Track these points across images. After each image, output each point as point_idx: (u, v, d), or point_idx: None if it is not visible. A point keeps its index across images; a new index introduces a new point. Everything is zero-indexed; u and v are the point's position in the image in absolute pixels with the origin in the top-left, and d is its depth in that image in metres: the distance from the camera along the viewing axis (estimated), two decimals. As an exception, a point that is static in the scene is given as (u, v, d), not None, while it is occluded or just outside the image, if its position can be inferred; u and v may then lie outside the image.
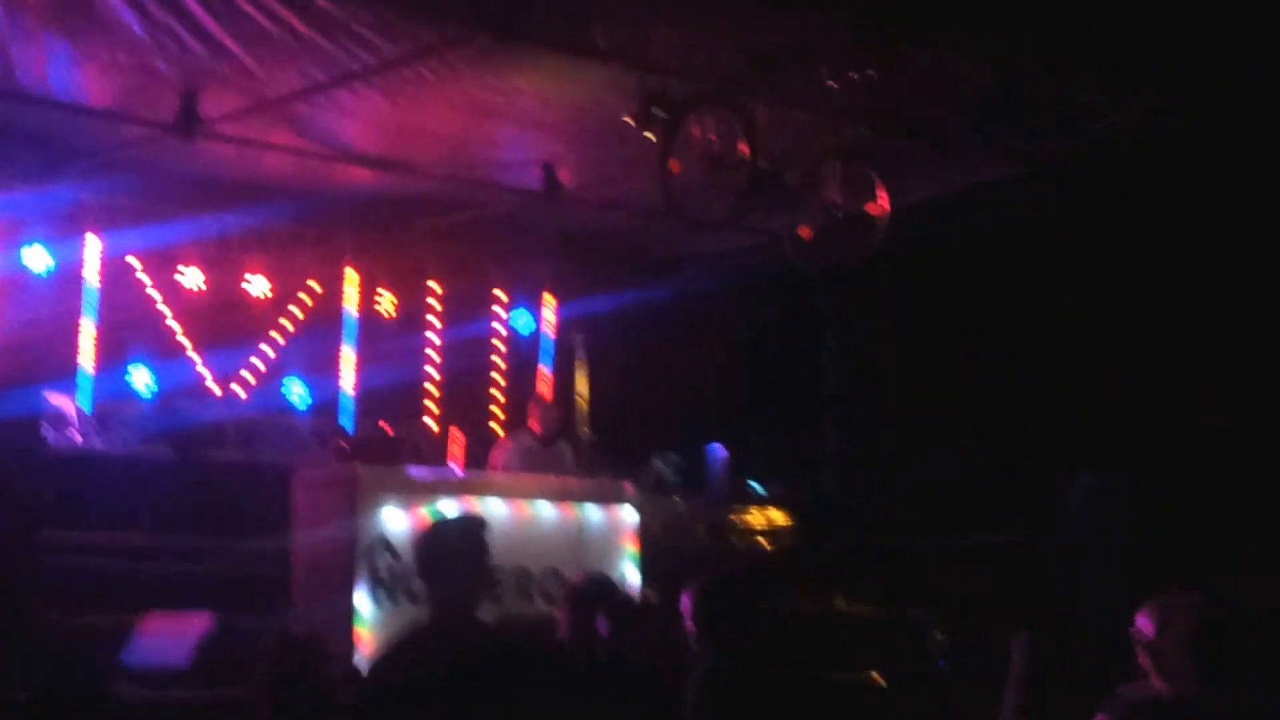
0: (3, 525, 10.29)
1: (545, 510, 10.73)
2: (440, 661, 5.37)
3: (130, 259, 12.56)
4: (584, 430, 13.93)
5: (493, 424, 14.17)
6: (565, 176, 12.15)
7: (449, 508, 10.14)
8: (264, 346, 13.21)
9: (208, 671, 8.63)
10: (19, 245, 12.00)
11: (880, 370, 13.77)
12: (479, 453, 12.51)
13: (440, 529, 5.77)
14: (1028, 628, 6.22)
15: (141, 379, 12.52)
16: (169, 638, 8.80)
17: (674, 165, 9.72)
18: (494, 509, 10.41)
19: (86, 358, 12.21)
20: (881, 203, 10.28)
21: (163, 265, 12.74)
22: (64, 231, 12.16)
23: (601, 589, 7.37)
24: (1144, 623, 5.38)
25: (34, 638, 9.55)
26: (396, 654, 5.59)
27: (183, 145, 11.07)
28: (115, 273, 12.49)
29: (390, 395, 13.27)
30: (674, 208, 10.00)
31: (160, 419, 12.02)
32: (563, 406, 13.08)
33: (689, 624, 6.23)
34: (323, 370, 13.36)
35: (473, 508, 10.21)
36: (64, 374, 11.95)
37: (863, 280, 12.53)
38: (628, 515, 11.14)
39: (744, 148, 9.85)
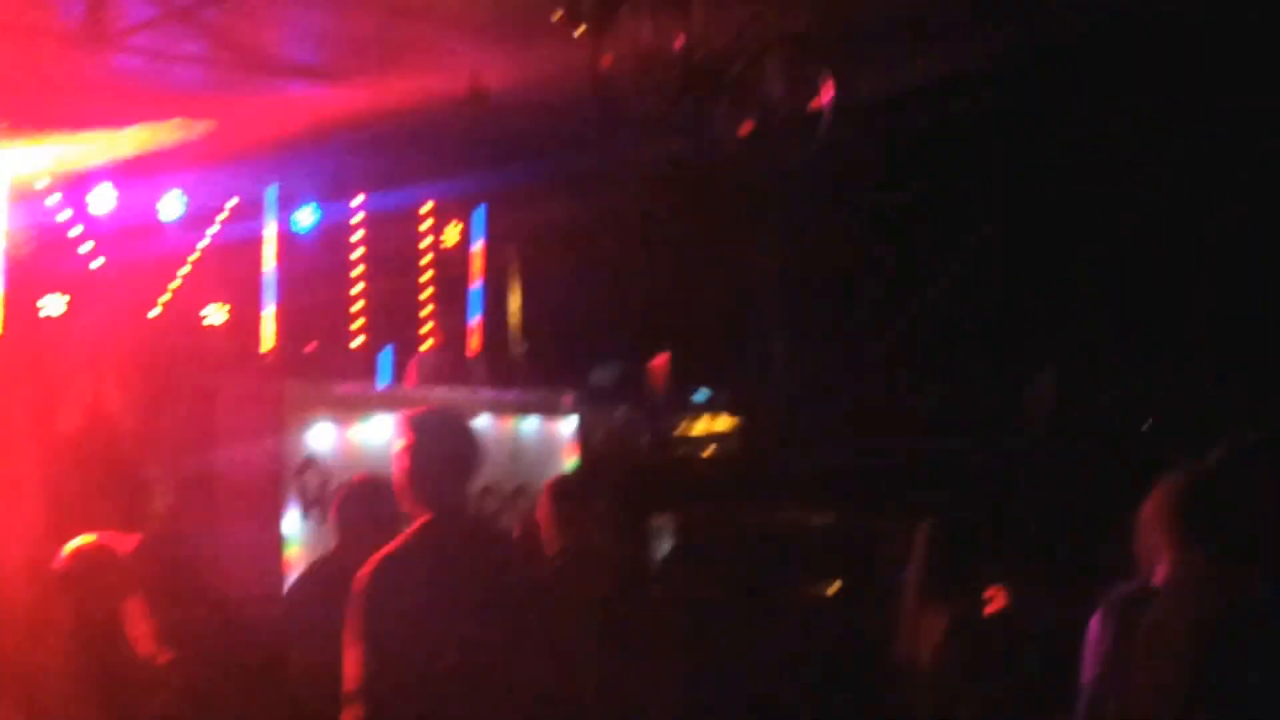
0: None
1: (479, 424, 10.49)
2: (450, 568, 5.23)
3: (39, 183, 12.25)
4: (517, 345, 13.72)
5: (423, 341, 13.88)
6: (492, 80, 11.87)
7: (379, 423, 10.08)
8: (181, 267, 12.91)
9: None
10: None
11: (824, 272, 13.60)
12: (407, 369, 12.28)
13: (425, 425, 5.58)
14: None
15: (55, 306, 12.22)
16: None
17: (605, 62, 9.45)
18: None
19: (-2, 281, 11.86)
20: (825, 98, 10.03)
21: (73, 188, 12.45)
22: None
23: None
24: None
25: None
26: (392, 566, 5.34)
27: (90, 59, 10.79)
28: (22, 198, 12.16)
29: (316, 314, 13.04)
30: (606, 109, 9.73)
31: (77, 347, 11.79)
32: (494, 322, 12.89)
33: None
34: (245, 291, 13.07)
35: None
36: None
37: (805, 179, 12.43)
38: (566, 428, 10.97)
39: (680, 40, 9.59)
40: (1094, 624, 5.46)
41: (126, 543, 8.64)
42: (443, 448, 5.49)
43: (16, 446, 10.87)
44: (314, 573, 7.24)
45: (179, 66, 11.69)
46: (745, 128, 10.08)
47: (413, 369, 12.01)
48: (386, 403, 10.41)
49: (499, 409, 10.71)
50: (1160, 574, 5.09)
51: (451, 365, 11.90)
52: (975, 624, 5.88)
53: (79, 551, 6.41)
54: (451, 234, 14.46)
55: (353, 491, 7.23)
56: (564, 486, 6.82)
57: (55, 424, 11.26)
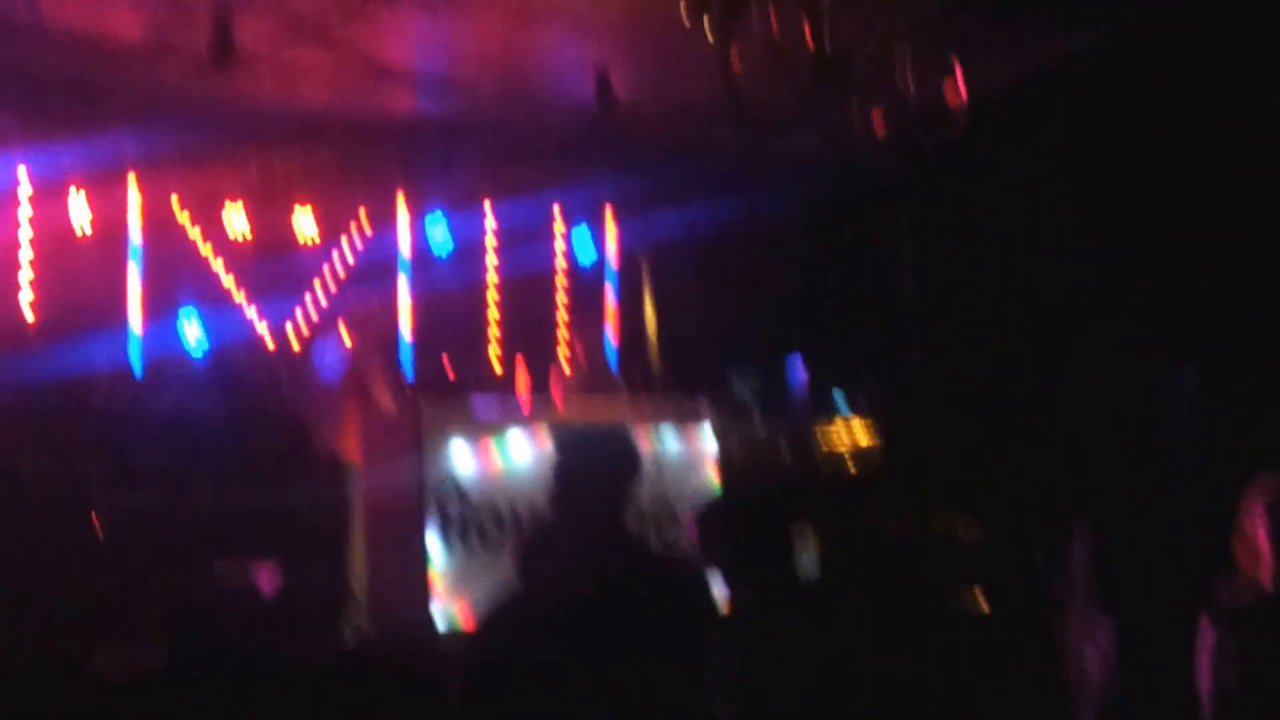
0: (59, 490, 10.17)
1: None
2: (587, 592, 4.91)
3: (173, 205, 12.24)
4: (652, 355, 13.59)
5: (560, 354, 13.75)
6: (620, 86, 11.70)
7: (519, 441, 9.95)
8: (314, 288, 12.87)
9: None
10: (57, 196, 11.69)
11: (964, 273, 13.26)
12: (545, 384, 12.11)
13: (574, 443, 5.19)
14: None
15: (192, 332, 12.18)
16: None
17: (735, 60, 9.24)
18: None
19: (134, 312, 11.89)
20: (960, 88, 9.73)
21: (207, 210, 12.41)
22: (104, 180, 11.86)
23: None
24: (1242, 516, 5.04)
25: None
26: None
27: (219, 79, 10.71)
28: (158, 220, 12.17)
29: (449, 331, 12.96)
30: (738, 108, 9.51)
31: (212, 373, 11.93)
32: (629, 332, 12.71)
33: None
34: (377, 309, 12.97)
35: (541, 440, 9.96)
36: (111, 330, 11.68)
37: (942, 177, 12.16)
38: (706, 438, 10.75)
39: (808, 35, 9.34)
40: (1208, 633, 5.21)
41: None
42: (588, 465, 5.07)
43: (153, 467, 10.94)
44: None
45: (306, 84, 11.65)
46: (878, 121, 9.83)
47: (555, 383, 11.86)
48: (525, 420, 10.25)
49: (639, 420, 10.47)
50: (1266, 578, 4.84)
51: (590, 378, 11.72)
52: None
53: None
54: (583, 244, 14.25)
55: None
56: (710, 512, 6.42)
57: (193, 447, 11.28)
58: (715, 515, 6.09)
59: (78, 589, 9.47)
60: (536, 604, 4.92)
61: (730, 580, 5.82)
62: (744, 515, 6.01)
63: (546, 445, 5.31)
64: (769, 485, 10.82)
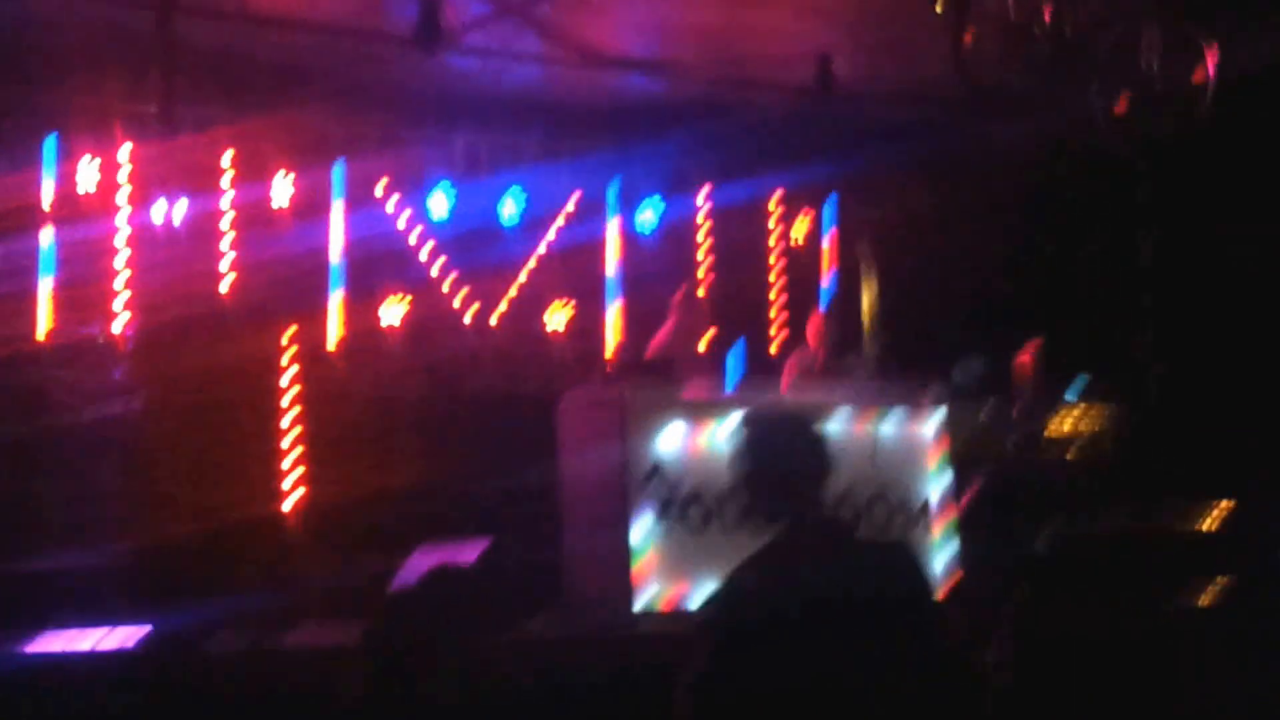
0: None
1: (837, 425, 9.91)
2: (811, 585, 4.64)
3: (377, 187, 12.05)
4: (872, 343, 13.18)
5: (772, 341, 13.39)
6: (842, 69, 11.36)
7: (727, 429, 9.63)
8: (519, 269, 12.61)
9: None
10: (264, 178, 11.58)
11: (1206, 262, 12.72)
12: (758, 370, 11.77)
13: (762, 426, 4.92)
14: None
15: (393, 312, 12.01)
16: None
17: (968, 37, 8.92)
18: None
19: (335, 292, 11.73)
20: (1209, 70, 9.29)
21: (411, 192, 12.21)
22: (309, 161, 11.73)
23: None
24: None
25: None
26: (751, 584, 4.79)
27: (425, 61, 10.73)
28: (361, 202, 11.98)
29: (661, 315, 12.29)
30: (969, 86, 9.18)
31: (416, 352, 11.74)
32: (846, 318, 12.34)
33: None
34: (584, 293, 12.71)
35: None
36: (313, 309, 11.53)
37: (1183, 162, 11.66)
38: (930, 427, 10.37)
39: (1047, 12, 9.00)
40: None
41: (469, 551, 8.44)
42: (781, 448, 4.77)
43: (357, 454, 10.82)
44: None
45: (515, 65, 11.50)
46: (1121, 103, 9.47)
47: (790, 369, 11.52)
48: (736, 404, 9.92)
49: (858, 406, 10.09)
50: None
51: (815, 364, 11.38)
52: None
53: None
54: (801, 226, 13.85)
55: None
56: None
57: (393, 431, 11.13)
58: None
59: (278, 569, 9.34)
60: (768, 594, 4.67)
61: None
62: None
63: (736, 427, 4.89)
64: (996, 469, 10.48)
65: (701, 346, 11.89)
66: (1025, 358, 11.82)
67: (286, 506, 10.57)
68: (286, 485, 10.65)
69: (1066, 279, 13.34)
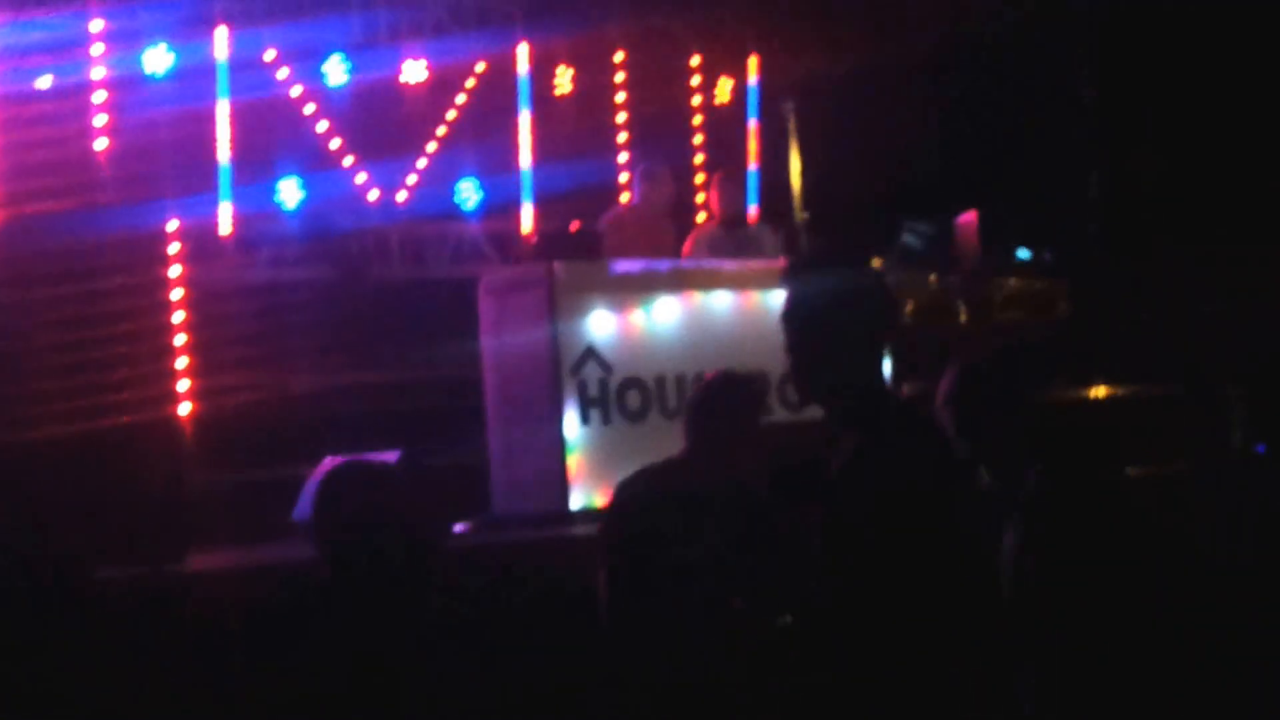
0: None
1: (777, 300, 9.03)
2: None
3: (267, 54, 11.00)
4: (799, 213, 12.31)
5: (698, 210, 12.52)
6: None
7: (666, 306, 8.95)
8: (425, 144, 11.59)
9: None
10: (139, 48, 10.46)
11: (1151, 121, 11.92)
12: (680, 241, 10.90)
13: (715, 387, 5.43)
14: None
15: (289, 192, 10.98)
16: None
17: None
18: (719, 304, 9.17)
19: (224, 171, 10.71)
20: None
21: (304, 59, 11.16)
22: (189, 29, 10.62)
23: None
24: None
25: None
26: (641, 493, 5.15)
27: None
28: (250, 72, 10.92)
29: (576, 188, 11.60)
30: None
31: (312, 234, 10.83)
32: (773, 188, 11.48)
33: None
34: (495, 166, 11.74)
35: (694, 304, 9.08)
36: (199, 190, 10.52)
37: (1126, 14, 10.85)
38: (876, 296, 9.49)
39: None
40: None
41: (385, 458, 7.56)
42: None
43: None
44: (650, 486, 5.79)
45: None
46: None
47: (689, 242, 10.62)
48: (672, 282, 9.06)
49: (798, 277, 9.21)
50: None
51: (715, 240, 10.50)
52: None
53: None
54: (723, 90, 12.97)
55: (707, 392, 5.88)
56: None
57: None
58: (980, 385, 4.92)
59: (169, 484, 8.35)
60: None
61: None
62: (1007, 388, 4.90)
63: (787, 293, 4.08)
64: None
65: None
66: (968, 219, 11.03)
67: (176, 412, 9.63)
68: (176, 389, 9.72)
69: (1006, 149, 12.49)
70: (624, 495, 5.72)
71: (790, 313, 4.10)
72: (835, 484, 3.88)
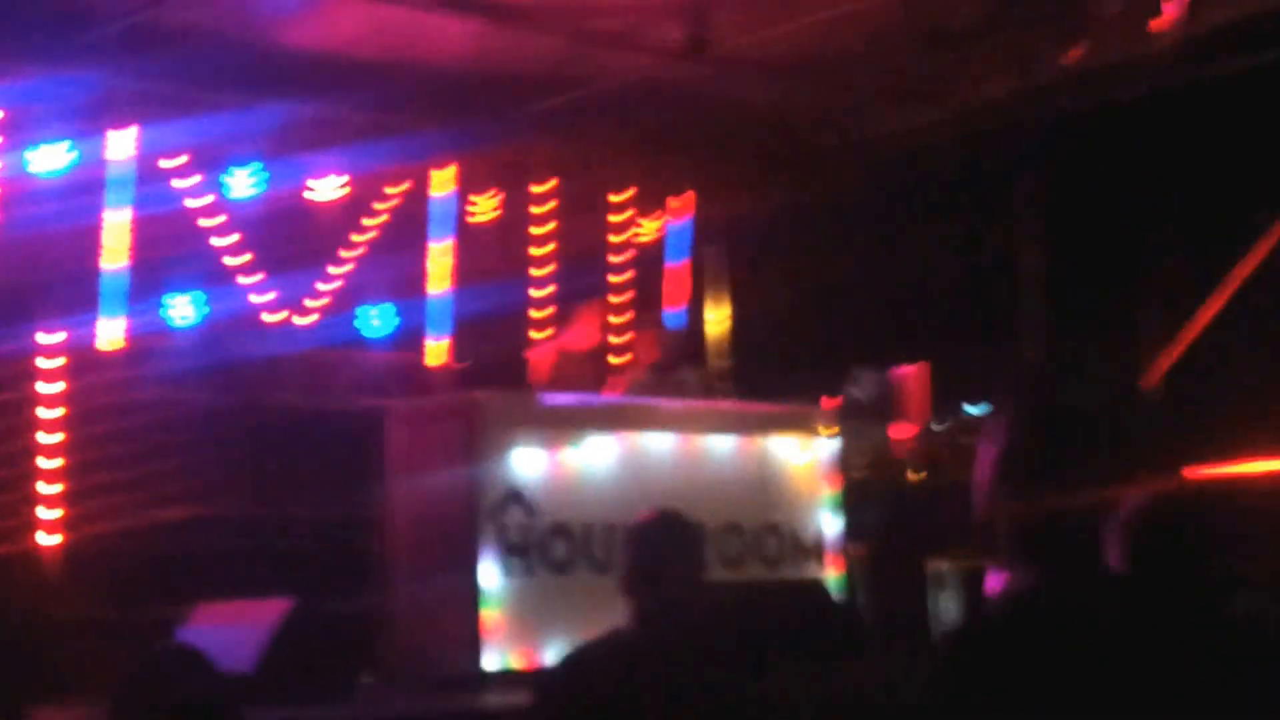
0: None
1: (720, 446, 8.55)
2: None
3: (166, 161, 10.17)
4: (717, 359, 11.64)
5: (613, 352, 11.78)
6: (717, 31, 9.64)
7: (598, 446, 8.16)
8: (333, 266, 10.87)
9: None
10: (27, 145, 9.64)
11: (1091, 265, 11.31)
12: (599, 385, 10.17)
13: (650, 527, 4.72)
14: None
15: (182, 309, 10.19)
16: (230, 632, 6.79)
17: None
18: (656, 446, 8.37)
19: (113, 284, 9.89)
20: (1168, 16, 7.85)
21: (207, 166, 10.38)
22: (85, 127, 9.83)
23: None
24: None
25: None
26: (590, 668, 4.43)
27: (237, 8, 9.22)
28: (149, 177, 10.14)
29: (492, 319, 11.01)
30: (916, 29, 7.79)
31: (207, 353, 10.04)
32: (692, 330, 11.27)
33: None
34: (406, 291, 11.08)
35: (629, 445, 8.28)
36: (84, 305, 9.72)
37: (1068, 160, 10.50)
38: (823, 449, 9.02)
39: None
40: None
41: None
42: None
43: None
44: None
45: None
46: (1075, 52, 8.04)
47: (613, 384, 9.85)
48: (606, 420, 8.28)
49: (744, 427, 8.47)
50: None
51: (644, 386, 9.75)
52: None
53: None
54: (650, 228, 12.35)
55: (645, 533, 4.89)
56: None
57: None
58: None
59: (29, 622, 7.39)
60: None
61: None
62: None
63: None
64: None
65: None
66: (912, 371, 10.34)
67: (43, 542, 8.81)
68: (44, 515, 8.89)
69: (945, 290, 11.82)
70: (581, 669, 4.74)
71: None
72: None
